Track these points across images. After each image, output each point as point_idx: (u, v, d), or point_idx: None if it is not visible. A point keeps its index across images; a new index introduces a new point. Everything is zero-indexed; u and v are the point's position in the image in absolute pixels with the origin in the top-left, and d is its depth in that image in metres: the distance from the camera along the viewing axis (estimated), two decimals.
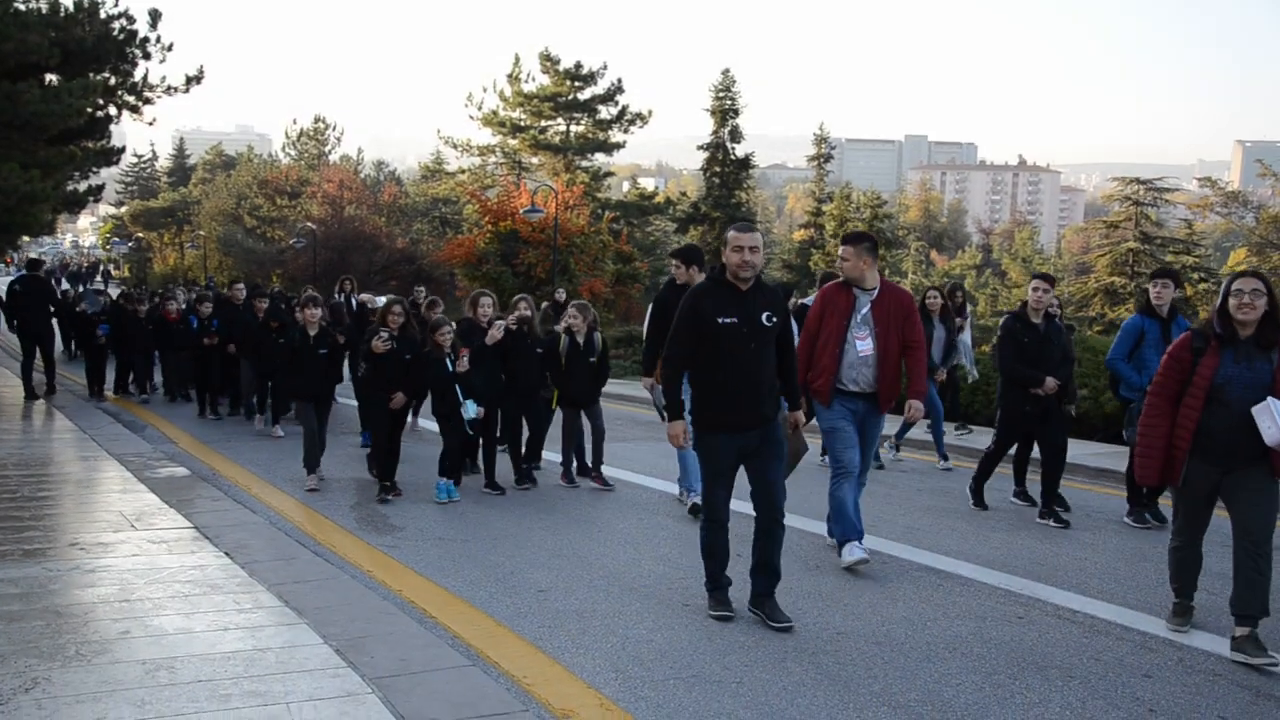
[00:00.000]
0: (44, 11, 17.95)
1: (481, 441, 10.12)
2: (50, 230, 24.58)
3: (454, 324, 9.83)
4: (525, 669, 5.29)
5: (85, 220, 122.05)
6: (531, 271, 32.97)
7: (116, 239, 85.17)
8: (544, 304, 17.04)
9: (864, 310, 7.33)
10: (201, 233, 60.72)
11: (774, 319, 5.99)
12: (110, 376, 18.28)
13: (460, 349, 9.49)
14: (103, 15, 18.88)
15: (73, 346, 24.56)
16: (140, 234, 78.51)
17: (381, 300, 13.01)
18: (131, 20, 19.41)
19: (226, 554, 7.04)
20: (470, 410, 9.34)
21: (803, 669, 5.33)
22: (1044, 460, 9.13)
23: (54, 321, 17.26)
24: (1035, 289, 9.16)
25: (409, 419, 12.23)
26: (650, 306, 9.40)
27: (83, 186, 22.94)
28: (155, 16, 19.69)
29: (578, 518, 8.85)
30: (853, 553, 7.18)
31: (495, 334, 9.57)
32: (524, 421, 10.44)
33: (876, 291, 7.39)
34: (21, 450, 11.34)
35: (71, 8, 18.32)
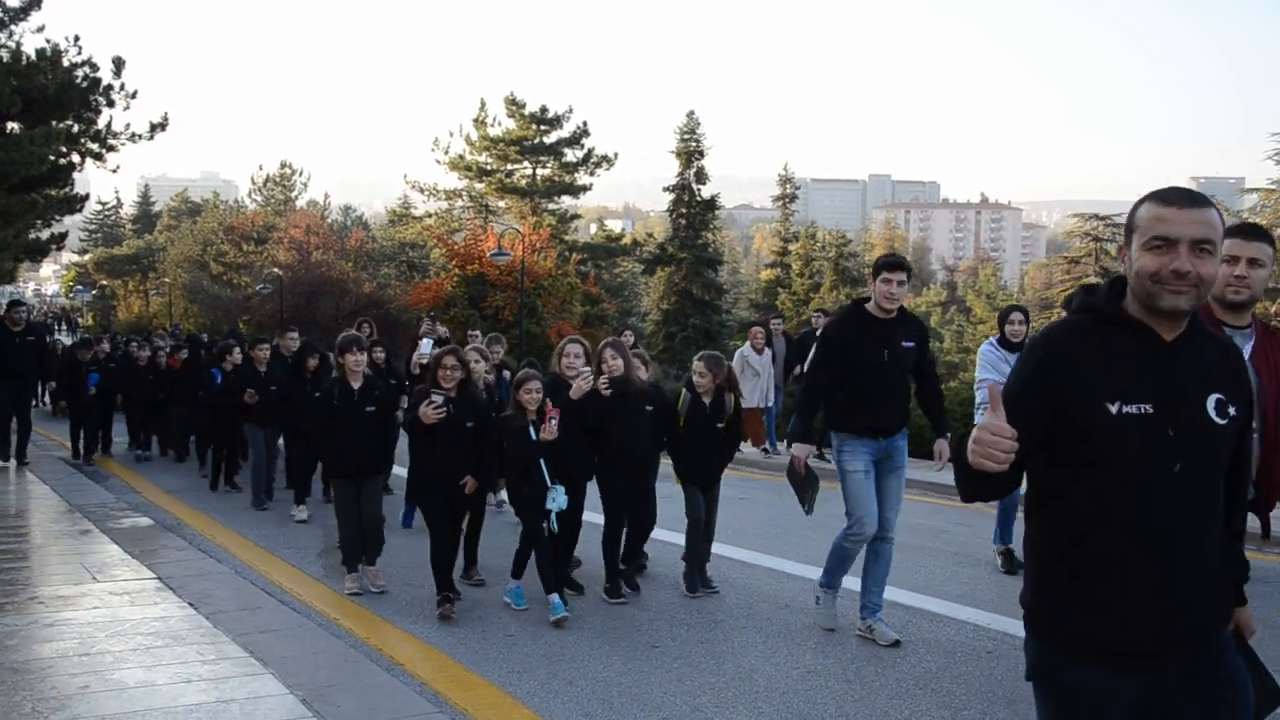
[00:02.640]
0: (5, 60, 17.94)
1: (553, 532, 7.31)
2: (11, 278, 24.35)
3: (541, 379, 7.47)
4: (493, 715, 5.25)
5: (48, 268, 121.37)
6: (499, 314, 32.97)
7: (80, 287, 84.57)
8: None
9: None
10: (166, 280, 60.40)
11: (1234, 410, 2.66)
12: (110, 435, 16.63)
13: (547, 409, 7.12)
14: (66, 63, 18.91)
15: (49, 400, 21.83)
16: (104, 281, 77.98)
17: (427, 346, 9.81)
18: (95, 68, 19.45)
19: (190, 604, 6.96)
20: (559, 499, 7.05)
21: (774, 709, 5.31)
22: None
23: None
24: None
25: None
26: (817, 345, 6.83)
27: (45, 234, 22.88)
28: (119, 64, 19.73)
29: None
30: None
31: (582, 385, 7.25)
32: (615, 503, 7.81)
33: (1252, 330, 4.15)
34: None
35: (34, 56, 18.32)
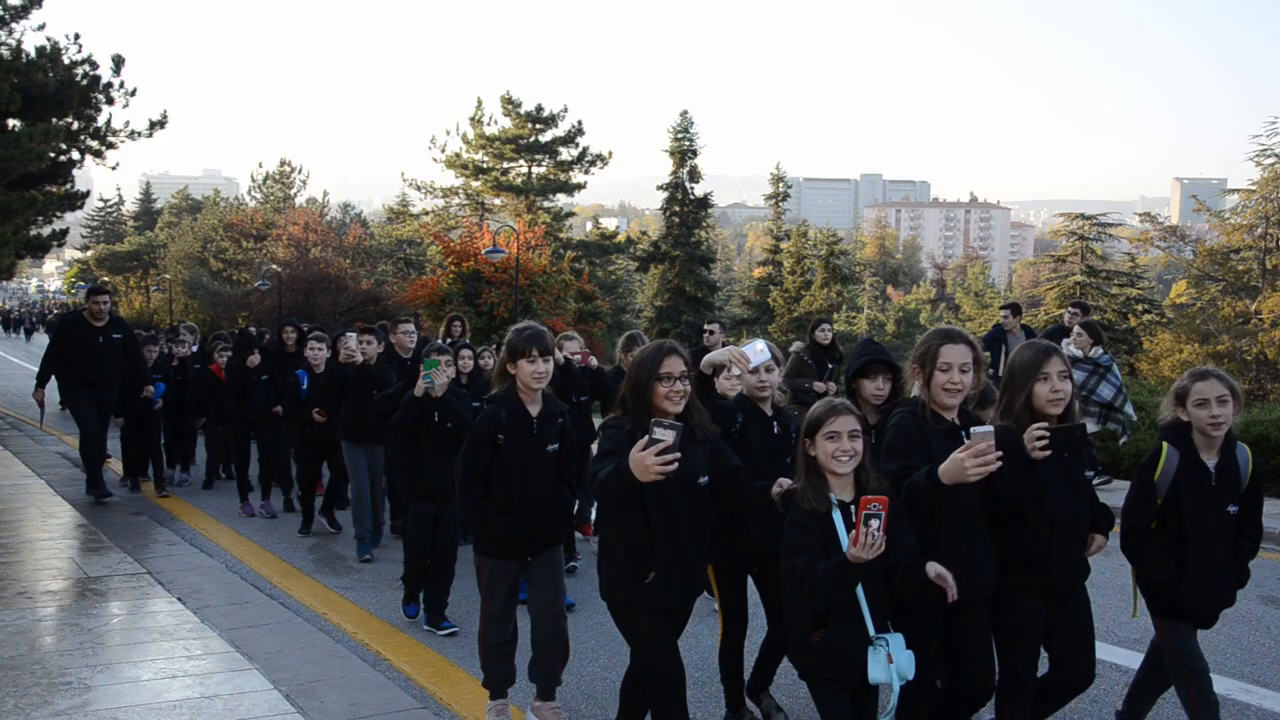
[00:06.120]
0: (5, 57, 18.05)
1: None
2: (10, 274, 24.29)
3: (851, 406, 4.04)
4: (476, 710, 5.32)
5: (51, 264, 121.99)
6: (494, 311, 33.01)
7: (82, 283, 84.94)
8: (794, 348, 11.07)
9: None
10: (167, 276, 60.72)
11: None
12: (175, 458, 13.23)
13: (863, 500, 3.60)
14: (66, 61, 19.06)
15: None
16: (106, 278, 78.34)
17: (760, 354, 4.75)
18: (95, 66, 19.59)
19: (179, 599, 7.02)
20: (902, 665, 3.81)
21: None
22: None
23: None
24: None
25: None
26: None
27: (46, 231, 22.98)
28: (119, 62, 19.85)
29: None
30: None
31: (974, 467, 3.70)
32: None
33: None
34: None
35: (34, 54, 18.43)
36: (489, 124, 48.01)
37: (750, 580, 5.21)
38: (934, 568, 3.78)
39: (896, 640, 3.83)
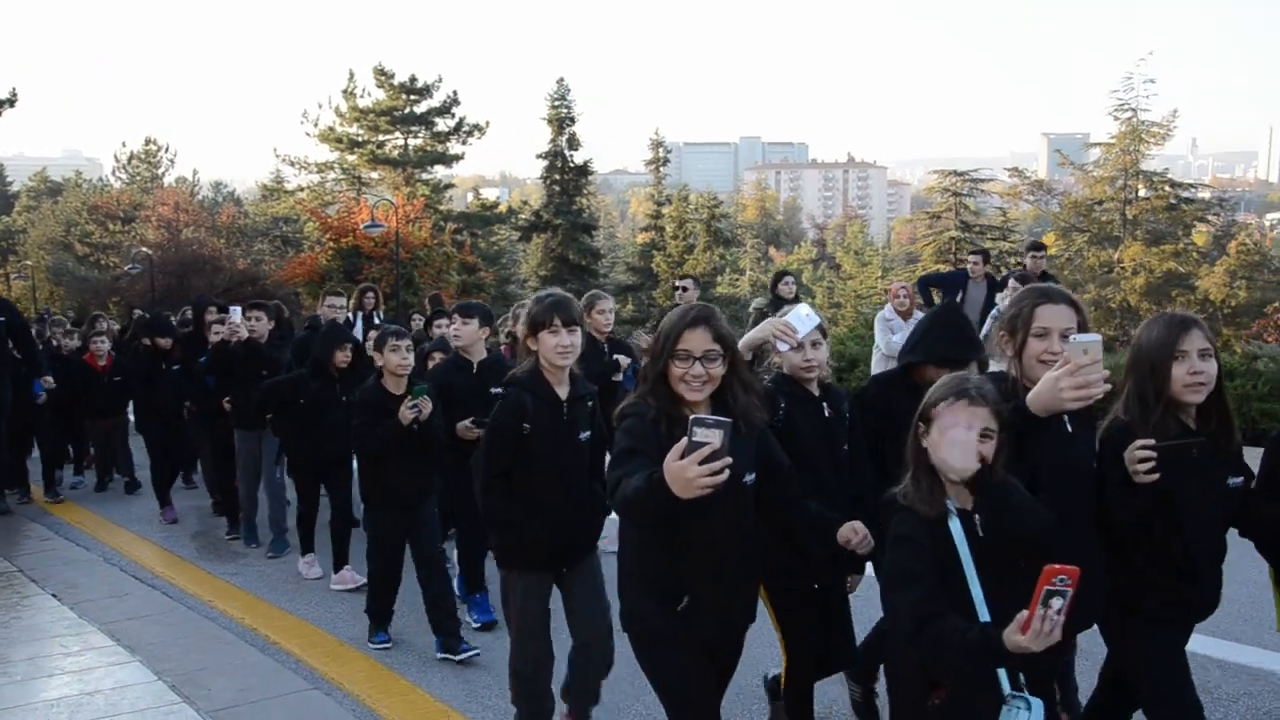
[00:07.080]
0: None
1: None
2: None
3: None
4: (368, 688, 5.27)
5: None
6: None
7: None
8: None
9: None
10: (28, 263, 58.37)
11: None
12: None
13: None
14: None
15: None
16: None
17: (806, 321, 3.91)
18: None
19: (53, 595, 6.78)
20: None
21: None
22: None
23: None
24: None
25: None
26: None
27: None
28: None
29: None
30: None
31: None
32: None
33: None
34: None
35: None
36: (362, 96, 47.12)
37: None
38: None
39: (1038, 707, 2.78)
